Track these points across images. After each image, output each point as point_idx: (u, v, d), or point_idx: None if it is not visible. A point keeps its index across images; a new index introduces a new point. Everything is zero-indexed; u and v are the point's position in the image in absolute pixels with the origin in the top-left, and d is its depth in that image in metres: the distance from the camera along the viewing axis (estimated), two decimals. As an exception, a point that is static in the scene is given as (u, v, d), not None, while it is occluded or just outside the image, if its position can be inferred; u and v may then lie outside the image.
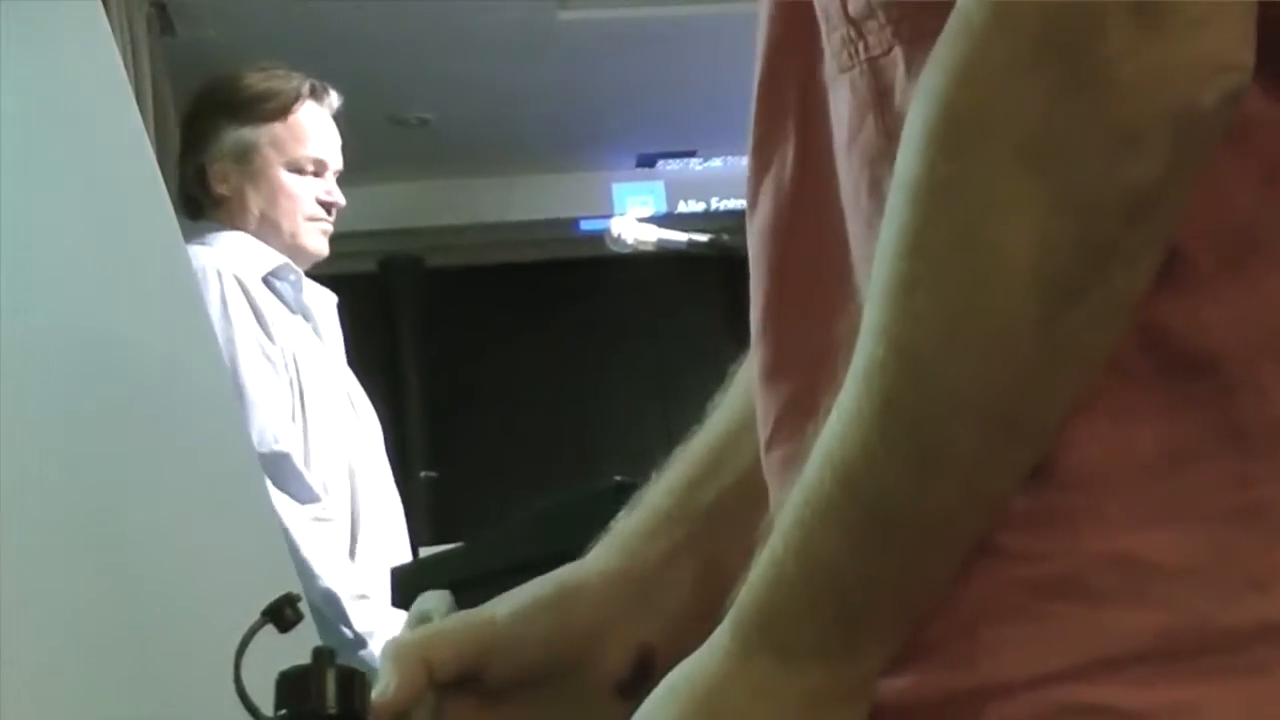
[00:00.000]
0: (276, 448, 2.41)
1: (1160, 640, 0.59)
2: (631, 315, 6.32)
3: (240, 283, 2.52)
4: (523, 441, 6.21)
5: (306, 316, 2.64)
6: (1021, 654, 0.60)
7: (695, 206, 6.53)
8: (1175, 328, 0.60)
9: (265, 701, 0.75)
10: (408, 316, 6.54)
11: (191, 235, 2.52)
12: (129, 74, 2.33)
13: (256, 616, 0.79)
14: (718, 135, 5.96)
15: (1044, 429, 0.60)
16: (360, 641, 2.39)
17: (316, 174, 2.68)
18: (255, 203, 2.64)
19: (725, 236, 2.86)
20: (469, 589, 0.91)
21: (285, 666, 0.76)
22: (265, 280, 2.59)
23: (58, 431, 1.10)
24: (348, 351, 2.71)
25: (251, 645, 0.78)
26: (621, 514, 0.88)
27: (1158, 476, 0.60)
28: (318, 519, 2.42)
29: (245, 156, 2.65)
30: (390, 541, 2.58)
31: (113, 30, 1.85)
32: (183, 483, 1.23)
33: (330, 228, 2.70)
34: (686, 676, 0.66)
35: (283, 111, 2.65)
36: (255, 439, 2.35)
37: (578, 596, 0.84)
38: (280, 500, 2.33)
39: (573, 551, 0.87)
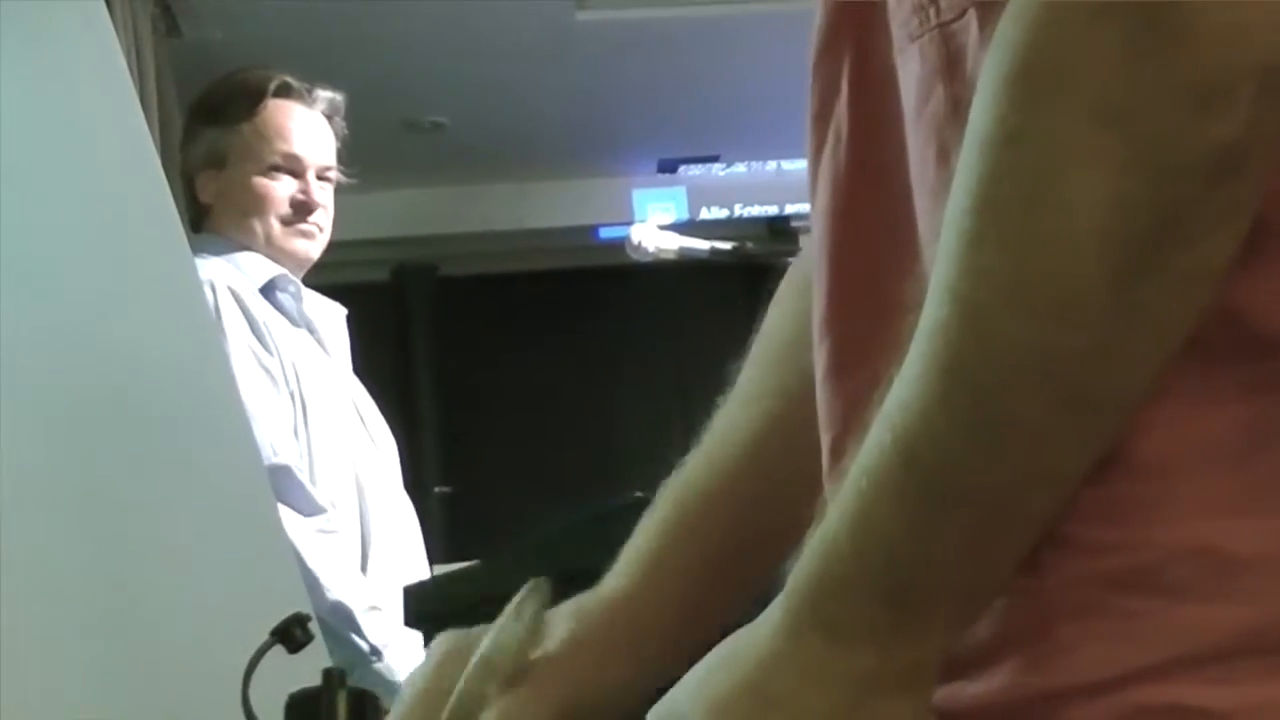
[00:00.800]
0: (276, 460, 2.37)
1: (1245, 636, 0.57)
2: (652, 326, 6.33)
3: (235, 295, 2.48)
4: (539, 456, 6.22)
5: (310, 329, 2.60)
6: (1100, 653, 0.59)
7: (718, 213, 6.58)
8: (1255, 304, 0.59)
9: (273, 725, 0.77)
10: (421, 327, 6.56)
11: (193, 248, 2.48)
12: (133, 76, 2.43)
13: (265, 635, 0.80)
14: (741, 139, 5.99)
15: (1116, 404, 0.58)
16: (376, 653, 2.36)
17: (294, 173, 2.59)
18: (233, 209, 2.59)
19: (749, 244, 2.94)
20: (485, 609, 0.88)
21: (294, 688, 0.77)
22: (264, 292, 2.55)
23: (61, 449, 1.11)
24: (358, 363, 2.68)
25: (259, 665, 0.78)
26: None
27: (1236, 463, 0.59)
28: (323, 531, 2.39)
29: (219, 162, 2.60)
30: (406, 556, 2.55)
31: (116, 31, 1.90)
32: (191, 498, 1.25)
33: (313, 228, 2.62)
34: (736, 651, 0.65)
35: (249, 112, 2.58)
36: (254, 452, 2.29)
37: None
38: (283, 513, 2.29)
39: (592, 571, 0.87)
